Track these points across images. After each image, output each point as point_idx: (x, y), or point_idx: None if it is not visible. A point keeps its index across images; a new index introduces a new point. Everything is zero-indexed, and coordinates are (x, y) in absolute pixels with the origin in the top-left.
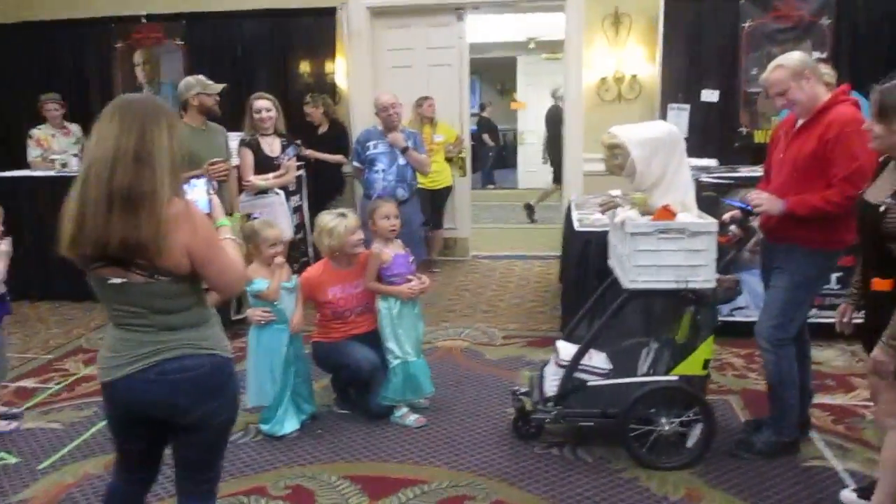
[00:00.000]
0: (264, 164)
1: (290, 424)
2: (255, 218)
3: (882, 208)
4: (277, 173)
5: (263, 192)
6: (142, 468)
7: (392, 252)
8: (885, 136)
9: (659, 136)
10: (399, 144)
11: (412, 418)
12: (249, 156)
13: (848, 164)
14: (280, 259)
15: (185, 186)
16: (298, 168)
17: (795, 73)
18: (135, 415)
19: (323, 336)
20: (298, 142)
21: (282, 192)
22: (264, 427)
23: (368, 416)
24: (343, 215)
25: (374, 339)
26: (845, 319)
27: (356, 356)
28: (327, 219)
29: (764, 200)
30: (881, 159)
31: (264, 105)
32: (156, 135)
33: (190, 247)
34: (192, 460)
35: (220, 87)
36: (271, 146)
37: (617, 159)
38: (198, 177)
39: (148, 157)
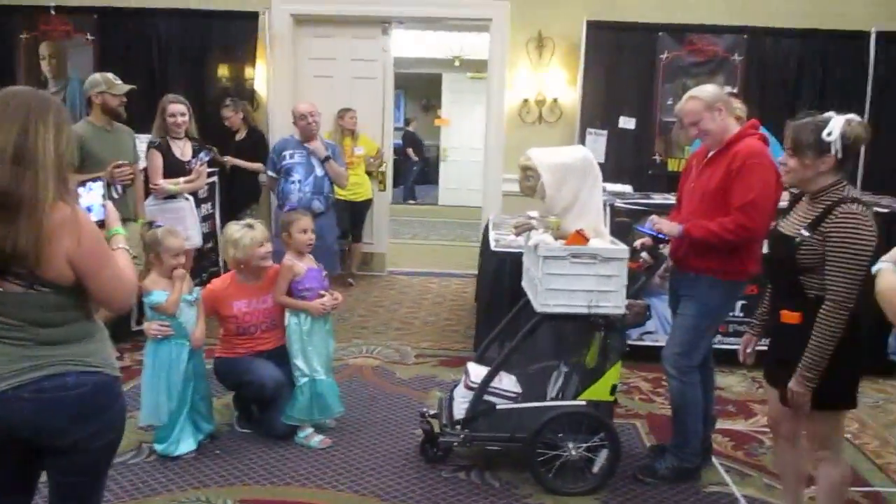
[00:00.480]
0: (175, 167)
1: (185, 444)
2: (158, 226)
3: (797, 240)
4: (188, 178)
5: (172, 196)
6: (11, 499)
7: (305, 266)
8: (798, 170)
9: (571, 162)
10: (320, 154)
11: (316, 440)
12: (158, 158)
13: (744, 194)
14: (181, 271)
15: (81, 189)
16: (211, 175)
17: (708, 105)
18: (3, 436)
19: (226, 351)
20: (212, 148)
21: (191, 198)
22: (158, 447)
23: (271, 436)
24: (250, 226)
25: (280, 356)
26: (749, 350)
27: (260, 373)
28: (234, 229)
29: (664, 224)
30: (796, 192)
31: (179, 109)
32: (40, 133)
33: (73, 257)
34: (69, 489)
35: (126, 87)
36: (182, 150)
37: (529, 181)
38: (94, 180)
39: (30, 158)
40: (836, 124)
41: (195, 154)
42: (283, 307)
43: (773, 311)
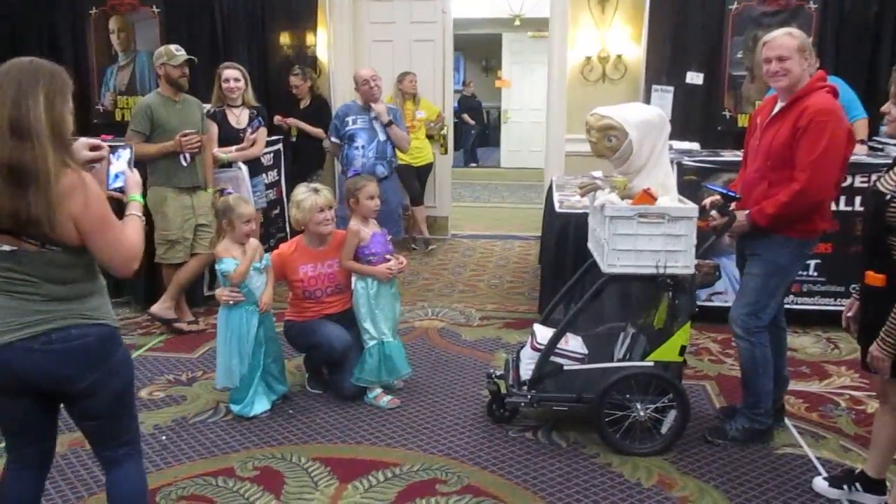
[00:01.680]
0: (229, 136)
1: (260, 405)
2: (228, 193)
3: (888, 197)
4: (240, 146)
5: (226, 165)
6: (28, 446)
7: (370, 231)
8: None
9: (650, 118)
10: (383, 117)
11: (385, 399)
12: (213, 127)
13: (809, 153)
14: (254, 240)
15: (112, 156)
16: (275, 142)
17: (802, 47)
18: (16, 385)
19: (295, 315)
20: (262, 115)
21: (245, 167)
22: (234, 408)
23: (341, 397)
24: (316, 191)
25: (347, 319)
26: (850, 314)
27: (329, 335)
28: (300, 191)
29: (737, 230)
30: None
31: (232, 74)
32: (31, 104)
33: (78, 219)
34: (95, 430)
35: (183, 57)
36: (238, 118)
37: (611, 141)
38: (123, 147)
39: (26, 130)
40: None
41: (250, 122)
42: (348, 271)
43: (861, 271)
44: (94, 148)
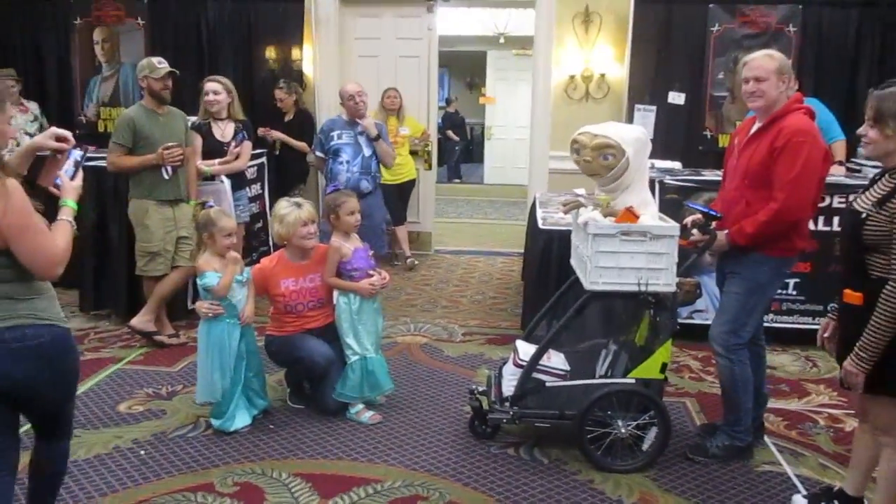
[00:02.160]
0: (214, 149)
1: (241, 419)
2: (210, 206)
3: (863, 215)
4: (224, 159)
5: (210, 178)
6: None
7: (352, 246)
8: (878, 142)
9: (640, 136)
10: (371, 131)
11: (367, 415)
12: (198, 140)
13: (787, 172)
14: (234, 253)
15: (70, 154)
16: (259, 156)
17: (780, 69)
18: None
19: (276, 329)
20: (247, 128)
21: (227, 180)
22: (215, 422)
23: (323, 412)
24: (298, 205)
25: (329, 334)
26: (826, 334)
27: (311, 350)
28: (282, 205)
29: (717, 249)
30: (881, 169)
31: (213, 87)
32: None
33: (0, 224)
34: (39, 423)
35: (165, 70)
36: (223, 131)
37: (607, 160)
38: (80, 148)
39: None
40: None
41: (235, 135)
42: (330, 286)
43: (839, 289)
44: (60, 139)
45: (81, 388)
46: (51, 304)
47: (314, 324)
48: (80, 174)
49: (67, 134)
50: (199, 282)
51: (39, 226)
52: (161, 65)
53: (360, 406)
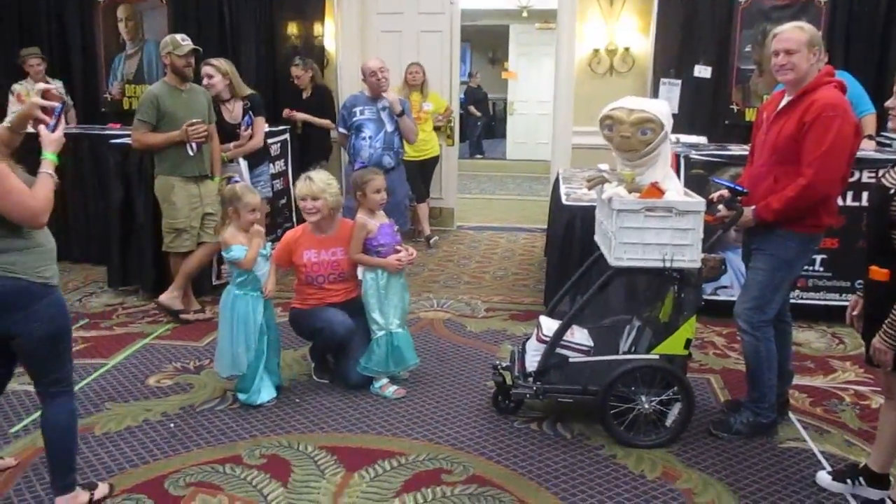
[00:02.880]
0: (226, 131)
1: (266, 393)
2: (235, 181)
3: (892, 191)
4: (237, 143)
5: (227, 161)
6: None
7: (377, 222)
8: None
9: (669, 111)
10: (396, 107)
11: (391, 389)
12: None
13: (816, 148)
14: (258, 227)
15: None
16: (281, 133)
17: (811, 41)
18: None
19: (300, 302)
20: (250, 106)
21: (243, 161)
22: (242, 396)
23: (347, 386)
24: (308, 178)
25: (349, 309)
26: (855, 312)
27: (330, 319)
28: (300, 177)
29: (743, 225)
30: None
31: (206, 71)
32: None
33: None
34: (27, 367)
35: (189, 47)
36: (231, 112)
37: (645, 134)
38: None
39: None
40: None
41: (244, 113)
42: (353, 262)
43: (866, 266)
44: (45, 97)
45: (111, 362)
46: (26, 259)
47: (335, 298)
48: (62, 126)
49: (51, 89)
50: (225, 255)
51: (17, 186)
52: (185, 42)
53: (385, 380)
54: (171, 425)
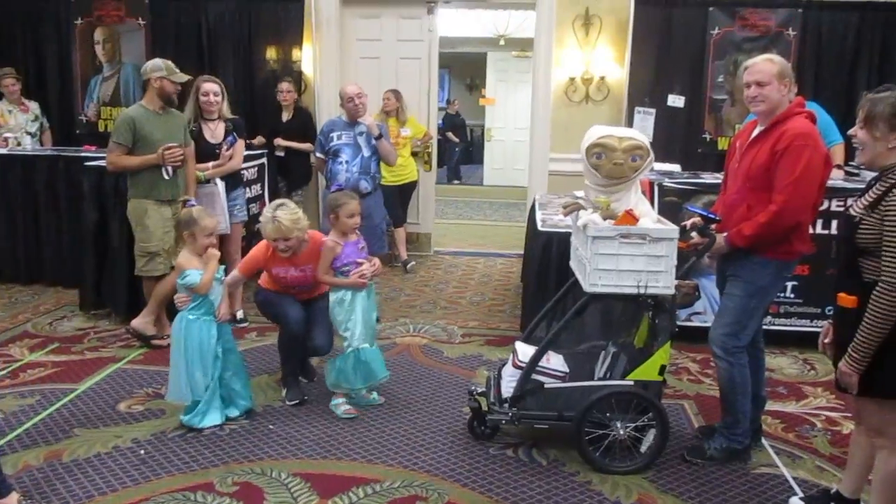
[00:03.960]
0: (206, 151)
1: (210, 418)
2: (192, 205)
3: (857, 219)
4: (217, 162)
5: (204, 181)
6: None
7: (343, 242)
8: (867, 143)
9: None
10: (374, 130)
11: (343, 409)
12: (191, 144)
13: (787, 175)
14: (213, 250)
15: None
16: (259, 157)
17: (781, 73)
18: None
19: (266, 283)
20: (233, 128)
21: (221, 183)
22: (184, 418)
23: (318, 354)
24: (276, 220)
25: (314, 306)
26: (827, 340)
27: (286, 315)
28: (265, 213)
29: (716, 252)
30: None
31: (212, 88)
32: None
33: None
34: None
35: (185, 77)
36: (214, 132)
37: (635, 161)
38: None
39: None
40: None
41: (226, 136)
42: (327, 284)
43: (834, 293)
44: None
45: (81, 387)
46: None
47: (301, 296)
48: None
49: None
50: (179, 280)
51: None
52: (177, 70)
53: (342, 399)
54: (142, 452)
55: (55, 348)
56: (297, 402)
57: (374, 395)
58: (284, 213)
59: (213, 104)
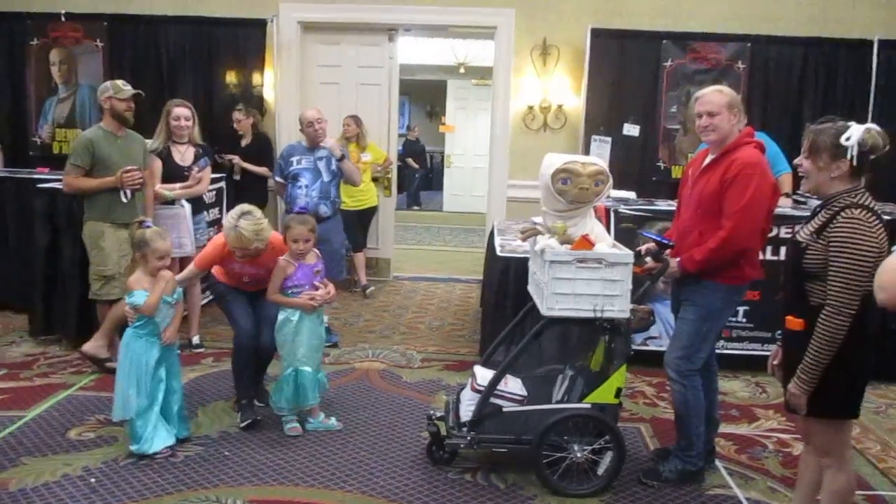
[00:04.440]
0: (174, 173)
1: (160, 440)
2: (147, 226)
3: (803, 245)
4: (185, 184)
5: (170, 202)
6: None
7: (297, 263)
8: (811, 172)
9: None
10: (336, 152)
11: (288, 426)
12: (157, 164)
13: (735, 202)
14: (167, 272)
15: None
16: (218, 180)
17: (731, 104)
18: None
19: (221, 276)
20: (215, 153)
21: (188, 205)
22: (134, 447)
23: (263, 352)
24: (237, 229)
25: (266, 303)
26: (775, 362)
27: (240, 324)
28: (228, 219)
29: (669, 276)
30: (821, 201)
31: (183, 113)
32: None
33: None
34: None
35: (131, 91)
36: (183, 155)
37: (598, 185)
38: None
39: None
40: (855, 131)
41: (196, 159)
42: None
43: (782, 316)
44: None
45: (30, 414)
46: None
47: (248, 289)
48: None
49: None
50: (127, 300)
51: None
52: (126, 86)
53: (292, 417)
54: (93, 480)
55: (2, 374)
56: (248, 421)
57: (333, 420)
58: (248, 224)
59: (183, 128)
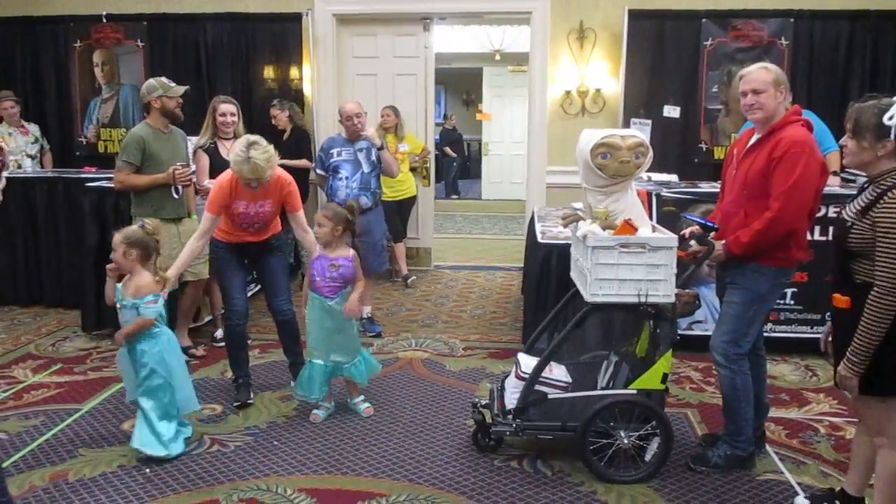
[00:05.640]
0: (221, 169)
1: (177, 444)
2: (141, 226)
3: (848, 224)
4: None
5: None
6: None
7: (318, 251)
8: (856, 153)
9: None
10: (376, 141)
11: (363, 406)
12: (205, 159)
13: (783, 182)
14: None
15: None
16: None
17: (777, 81)
18: None
19: (222, 230)
20: None
21: None
22: (161, 452)
23: (281, 318)
24: (250, 160)
25: (264, 249)
26: (830, 339)
27: (233, 300)
28: (236, 150)
29: (714, 259)
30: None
31: (229, 109)
32: None
33: None
34: None
35: (182, 89)
36: (230, 151)
37: (639, 158)
38: None
39: None
40: None
41: None
42: (276, 213)
43: (832, 294)
44: None
45: (85, 407)
46: None
47: (251, 238)
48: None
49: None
50: (142, 311)
51: None
52: (173, 84)
53: (361, 397)
54: (147, 470)
55: (58, 369)
56: (239, 403)
57: (362, 406)
58: (258, 153)
59: (229, 124)
